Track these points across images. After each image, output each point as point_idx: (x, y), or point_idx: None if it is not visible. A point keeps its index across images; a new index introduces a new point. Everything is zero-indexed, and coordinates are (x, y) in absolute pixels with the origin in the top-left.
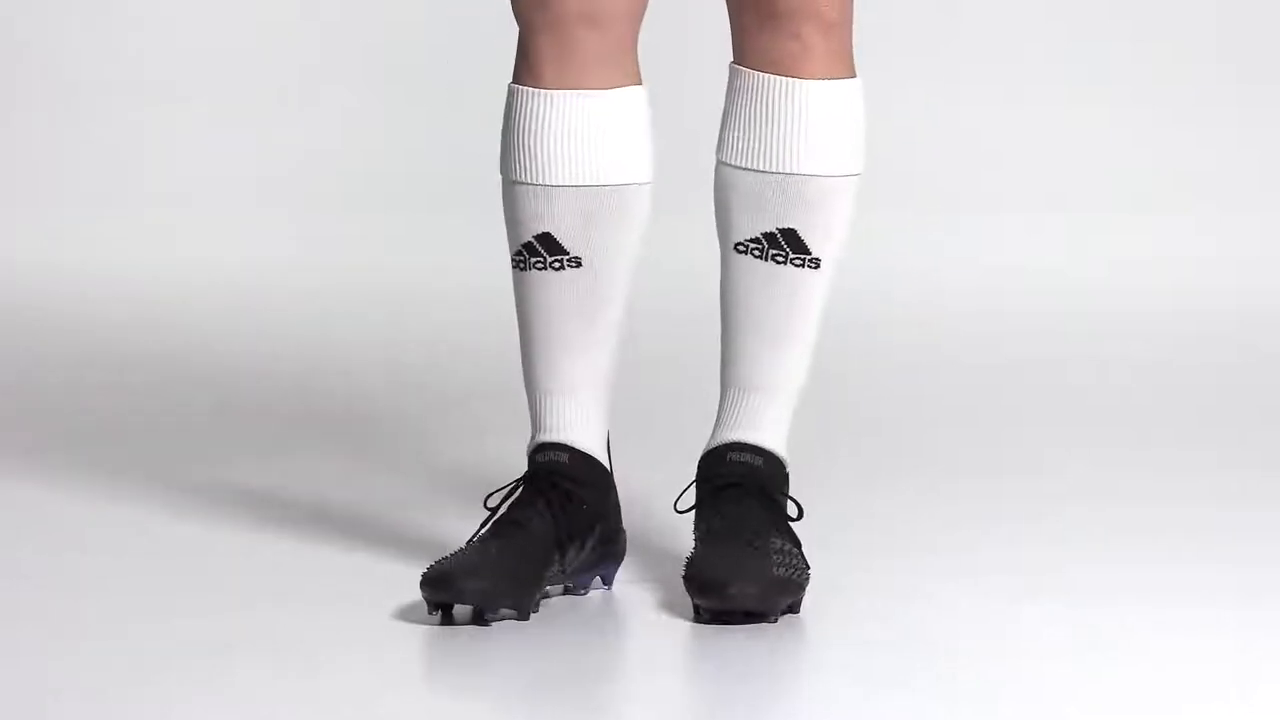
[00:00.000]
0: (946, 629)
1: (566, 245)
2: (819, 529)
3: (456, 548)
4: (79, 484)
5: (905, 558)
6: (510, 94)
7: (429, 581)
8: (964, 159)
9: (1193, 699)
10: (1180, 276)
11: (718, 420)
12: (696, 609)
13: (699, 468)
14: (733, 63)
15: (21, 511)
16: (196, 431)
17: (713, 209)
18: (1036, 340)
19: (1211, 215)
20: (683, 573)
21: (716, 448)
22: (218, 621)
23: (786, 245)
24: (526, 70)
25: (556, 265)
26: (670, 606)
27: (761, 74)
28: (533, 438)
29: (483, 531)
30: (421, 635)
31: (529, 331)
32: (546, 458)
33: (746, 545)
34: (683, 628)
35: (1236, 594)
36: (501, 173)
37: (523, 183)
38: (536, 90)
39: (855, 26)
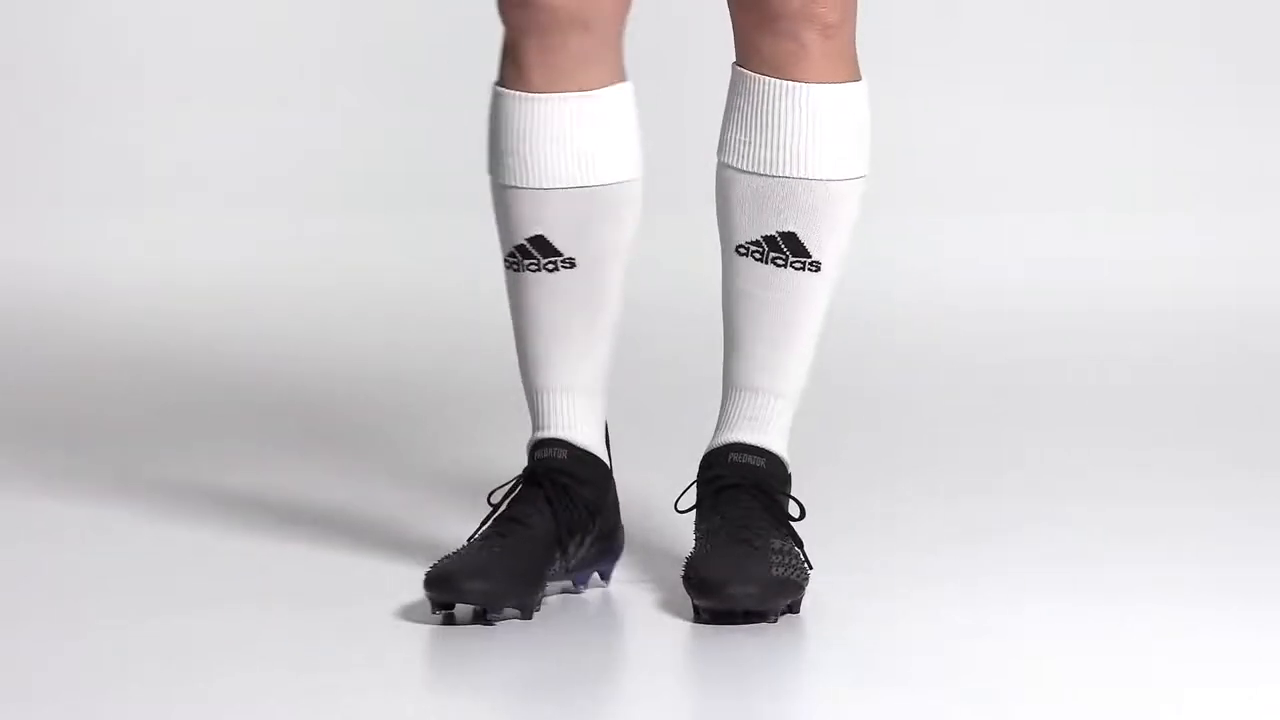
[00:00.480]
0: (946, 629)
1: (560, 246)
2: (819, 529)
3: (456, 547)
4: (78, 484)
5: (905, 558)
6: (496, 97)
7: (432, 582)
8: (964, 159)
9: (1193, 699)
10: (1180, 276)
11: (720, 421)
12: (696, 609)
13: (700, 468)
14: (735, 64)
15: (20, 513)
16: (196, 431)
17: (713, 209)
18: (1036, 340)
19: (1211, 215)
20: (682, 573)
21: (718, 448)
22: (218, 622)
23: (786, 248)
24: (515, 74)
25: (550, 266)
26: (670, 606)
27: (762, 77)
28: (532, 435)
29: (484, 529)
30: (422, 635)
31: (524, 331)
32: (545, 454)
33: (746, 545)
34: (683, 628)
35: (1236, 594)
36: (491, 176)
37: (516, 187)
38: (526, 95)
39: (861, 27)
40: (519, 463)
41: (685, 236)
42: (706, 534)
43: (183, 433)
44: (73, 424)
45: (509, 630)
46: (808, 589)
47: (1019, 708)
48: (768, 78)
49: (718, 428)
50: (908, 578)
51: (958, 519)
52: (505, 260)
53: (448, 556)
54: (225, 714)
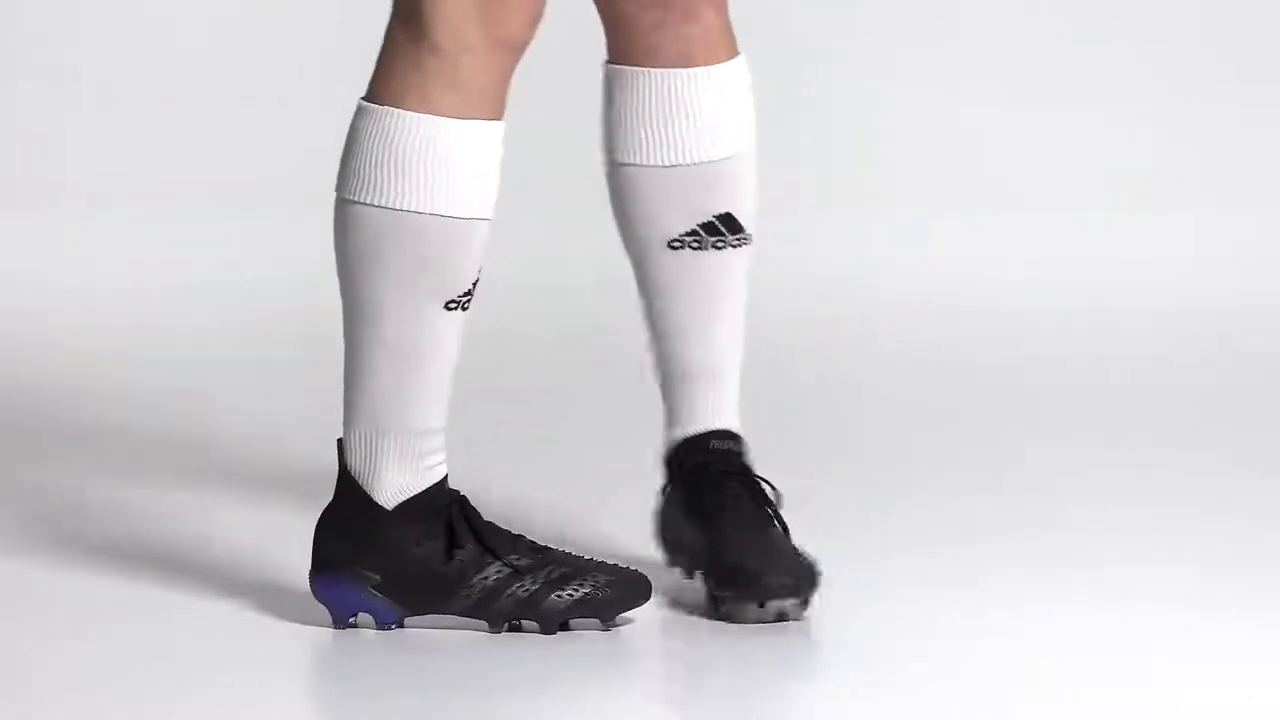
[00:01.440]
0: (946, 629)
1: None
2: (819, 528)
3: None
4: (78, 482)
5: (905, 558)
6: (487, 131)
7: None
8: (964, 159)
9: (1193, 699)
10: (1180, 276)
11: (683, 411)
12: (716, 600)
13: (675, 458)
14: (616, 63)
15: (20, 511)
16: (196, 431)
17: None
18: (1036, 340)
19: (1211, 215)
20: (703, 567)
21: (698, 436)
22: (219, 623)
23: (725, 230)
24: (489, 103)
25: (466, 304)
26: (669, 606)
27: (669, 70)
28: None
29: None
30: (420, 636)
31: (425, 373)
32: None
33: (761, 533)
34: (683, 627)
35: (1236, 594)
36: (462, 214)
37: (485, 219)
38: (499, 124)
39: (859, 27)
40: (507, 465)
41: None
42: (710, 526)
43: (182, 431)
44: (74, 423)
45: (507, 633)
46: None
47: (1019, 708)
48: (675, 69)
49: (683, 418)
50: (908, 578)
51: (958, 519)
52: (459, 301)
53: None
54: (225, 714)
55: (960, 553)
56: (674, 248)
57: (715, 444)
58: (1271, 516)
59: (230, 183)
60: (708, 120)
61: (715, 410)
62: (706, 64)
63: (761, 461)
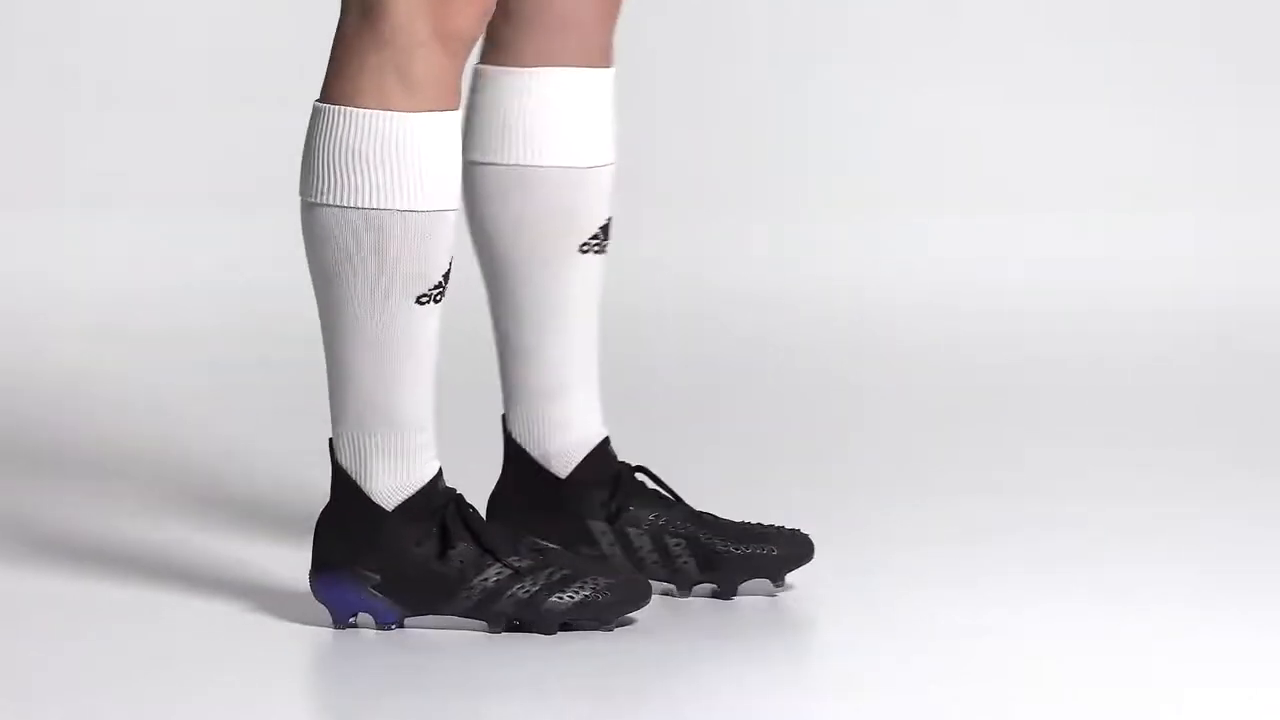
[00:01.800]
0: (946, 629)
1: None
2: (819, 529)
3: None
4: (80, 481)
5: (905, 558)
6: (443, 123)
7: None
8: (964, 159)
9: (1193, 699)
10: (1180, 276)
11: (579, 418)
12: (721, 591)
13: (595, 465)
14: (525, 65)
15: (20, 510)
16: (195, 430)
17: (680, 200)
18: (1036, 340)
19: (1212, 215)
20: (706, 570)
21: (605, 441)
22: (220, 622)
23: (609, 236)
24: (445, 95)
25: (439, 297)
26: (665, 605)
27: (602, 69)
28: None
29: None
30: (420, 636)
31: (404, 370)
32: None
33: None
34: (680, 627)
35: (1236, 594)
36: (425, 207)
37: (453, 210)
38: (455, 114)
39: (858, 27)
40: (492, 461)
41: (658, 231)
42: (701, 523)
43: (182, 431)
44: (74, 423)
45: (507, 633)
46: (805, 588)
47: (1019, 708)
48: (602, 69)
49: (581, 423)
50: (908, 578)
51: (958, 519)
52: (430, 296)
53: None
54: (225, 714)
55: (960, 553)
56: (584, 251)
57: (611, 450)
58: (1271, 516)
59: (230, 183)
60: (608, 121)
61: (599, 415)
62: (608, 66)
63: (761, 462)
